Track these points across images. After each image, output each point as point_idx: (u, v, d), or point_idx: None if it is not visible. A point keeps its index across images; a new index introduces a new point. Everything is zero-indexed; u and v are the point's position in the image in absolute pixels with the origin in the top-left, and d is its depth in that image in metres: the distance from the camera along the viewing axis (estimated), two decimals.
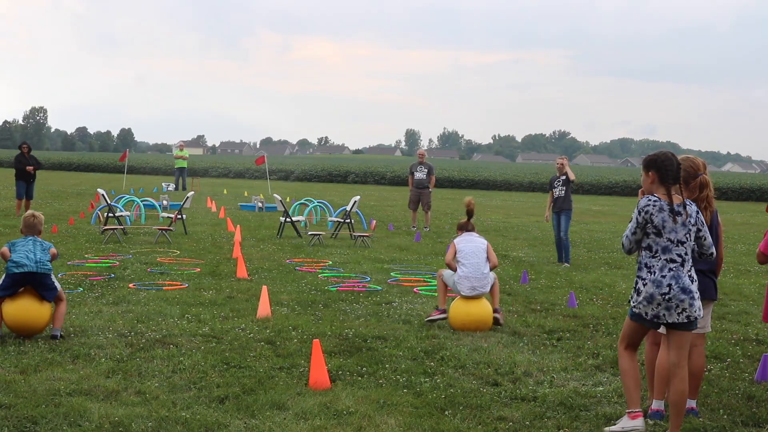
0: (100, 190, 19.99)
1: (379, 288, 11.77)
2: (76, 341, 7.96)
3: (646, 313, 5.56)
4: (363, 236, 17.81)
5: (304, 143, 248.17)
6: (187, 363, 7.25)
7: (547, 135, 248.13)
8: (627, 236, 5.66)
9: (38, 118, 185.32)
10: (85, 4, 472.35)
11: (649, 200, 5.57)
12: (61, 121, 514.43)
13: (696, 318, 5.58)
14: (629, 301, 5.70)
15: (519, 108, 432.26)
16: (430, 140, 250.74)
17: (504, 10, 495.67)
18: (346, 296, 10.98)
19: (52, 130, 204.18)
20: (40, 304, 8.09)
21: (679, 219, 5.54)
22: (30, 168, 21.94)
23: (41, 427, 5.56)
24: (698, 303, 5.56)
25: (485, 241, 9.69)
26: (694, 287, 5.55)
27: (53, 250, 8.46)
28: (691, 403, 6.24)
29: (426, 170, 21.47)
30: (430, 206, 21.66)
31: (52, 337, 8.00)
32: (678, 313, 5.51)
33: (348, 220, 18.96)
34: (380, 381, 6.92)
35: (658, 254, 5.55)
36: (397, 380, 6.95)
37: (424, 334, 8.78)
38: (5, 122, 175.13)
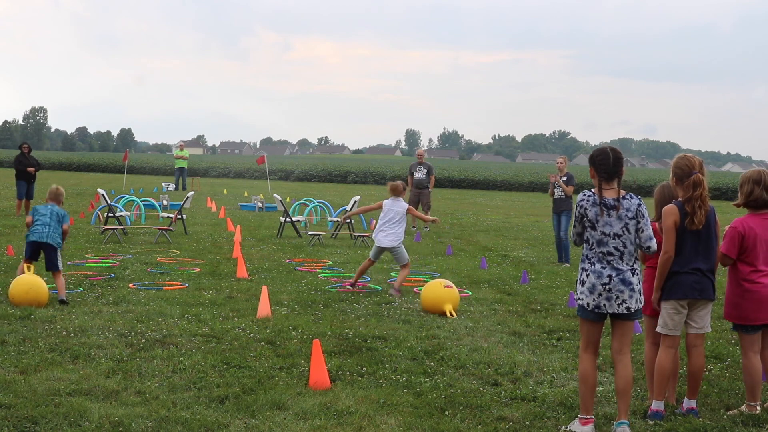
0: (100, 190, 20.00)
1: (379, 288, 11.77)
2: (76, 341, 7.96)
3: (588, 304, 5.70)
4: (363, 236, 17.81)
5: (304, 143, 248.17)
6: (187, 363, 7.25)
7: (547, 135, 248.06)
8: (571, 229, 5.95)
9: (38, 118, 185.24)
10: (85, 4, 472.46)
11: (584, 195, 5.80)
12: (61, 121, 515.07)
13: (636, 309, 5.69)
14: (576, 293, 5.84)
15: (519, 108, 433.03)
16: (430, 140, 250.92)
17: (504, 9, 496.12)
18: (346, 296, 10.99)
19: (52, 130, 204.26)
20: (40, 286, 9.58)
21: (613, 213, 5.66)
22: (31, 169, 21.95)
23: (41, 427, 5.56)
24: (637, 296, 5.69)
25: (406, 205, 11.73)
26: (635, 280, 5.68)
27: (66, 226, 10.40)
28: (691, 403, 6.24)
29: (425, 170, 21.47)
30: (430, 206, 21.65)
31: (60, 302, 9.80)
32: (618, 304, 5.65)
33: (348, 220, 18.96)
34: (380, 381, 6.92)
35: (594, 246, 5.74)
36: (397, 380, 6.95)
37: (424, 334, 8.78)
38: (5, 122, 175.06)
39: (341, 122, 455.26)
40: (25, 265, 10.09)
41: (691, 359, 6.29)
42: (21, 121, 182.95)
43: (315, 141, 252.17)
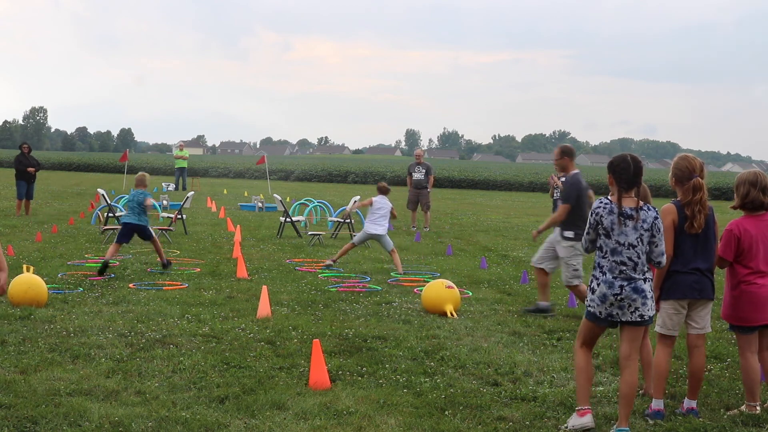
0: (100, 190, 20.01)
1: (379, 288, 11.77)
2: (76, 341, 7.96)
3: (600, 312, 5.68)
4: None
5: (304, 143, 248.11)
6: (187, 363, 7.25)
7: (547, 135, 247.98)
8: (584, 236, 5.89)
9: (38, 118, 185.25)
10: (85, 4, 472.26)
11: (601, 202, 5.74)
12: (61, 121, 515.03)
13: (650, 317, 5.69)
14: (584, 300, 5.76)
15: (519, 108, 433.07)
16: (430, 140, 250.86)
17: (504, 9, 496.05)
18: (346, 296, 10.99)
19: (52, 130, 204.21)
20: (40, 285, 9.61)
21: (630, 223, 5.63)
22: (32, 169, 21.95)
23: (41, 427, 5.56)
24: (651, 303, 5.67)
25: (390, 204, 13.94)
26: (648, 287, 5.67)
27: (148, 201, 12.94)
28: (691, 403, 6.24)
29: (424, 170, 21.48)
30: (429, 206, 21.66)
31: (163, 266, 12.74)
32: (631, 312, 5.64)
33: (348, 220, 18.96)
34: (380, 381, 6.92)
35: (607, 255, 5.69)
36: (397, 380, 6.95)
37: (424, 334, 8.78)
38: (5, 122, 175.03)
39: (341, 122, 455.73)
40: (25, 265, 10.13)
41: (692, 359, 6.29)
42: (21, 121, 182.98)
43: (315, 141, 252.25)
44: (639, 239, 5.64)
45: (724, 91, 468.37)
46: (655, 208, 5.79)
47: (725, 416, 6.16)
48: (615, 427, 5.76)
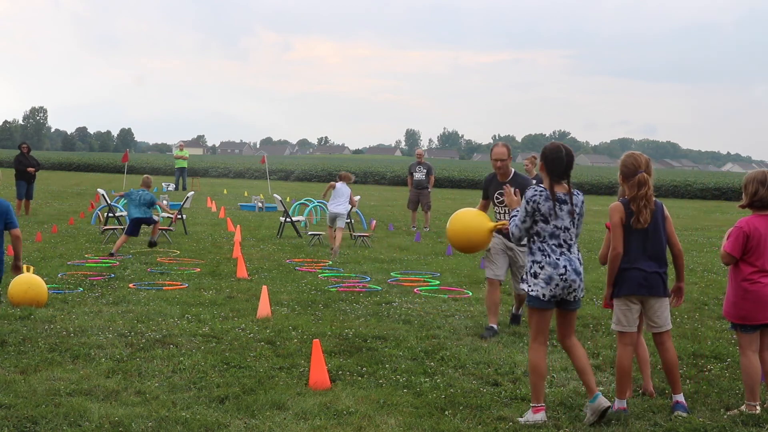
0: (100, 190, 20.03)
1: (379, 288, 11.77)
2: (76, 341, 7.96)
3: (544, 295, 5.87)
4: (363, 236, 17.81)
5: (304, 143, 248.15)
6: (187, 363, 7.25)
7: (547, 135, 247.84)
8: (517, 225, 6.01)
9: (38, 118, 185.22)
10: (85, 4, 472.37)
11: (536, 191, 5.93)
12: (61, 121, 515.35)
13: (580, 299, 5.99)
14: (526, 288, 5.98)
15: (519, 108, 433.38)
16: (430, 140, 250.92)
17: (504, 9, 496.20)
18: (346, 296, 10.99)
19: (52, 130, 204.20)
20: (39, 285, 9.62)
21: (565, 207, 5.90)
22: (31, 169, 21.95)
23: (41, 427, 5.56)
24: (583, 285, 5.98)
25: (349, 189, 16.17)
26: (582, 269, 5.96)
27: (156, 202, 15.42)
28: (678, 398, 6.27)
29: (425, 170, 21.47)
30: (429, 206, 21.65)
31: (150, 244, 15.11)
32: (568, 293, 5.88)
33: (348, 220, 18.96)
34: (380, 381, 6.92)
35: (546, 239, 5.90)
36: (397, 380, 6.95)
37: (424, 334, 8.78)
38: (5, 122, 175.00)
39: (341, 122, 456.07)
40: (25, 265, 10.13)
41: (663, 358, 6.36)
42: (21, 121, 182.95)
43: (315, 141, 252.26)
44: (572, 222, 5.93)
45: (724, 91, 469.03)
46: (582, 193, 6.06)
47: (725, 416, 6.16)
48: (588, 398, 5.89)
